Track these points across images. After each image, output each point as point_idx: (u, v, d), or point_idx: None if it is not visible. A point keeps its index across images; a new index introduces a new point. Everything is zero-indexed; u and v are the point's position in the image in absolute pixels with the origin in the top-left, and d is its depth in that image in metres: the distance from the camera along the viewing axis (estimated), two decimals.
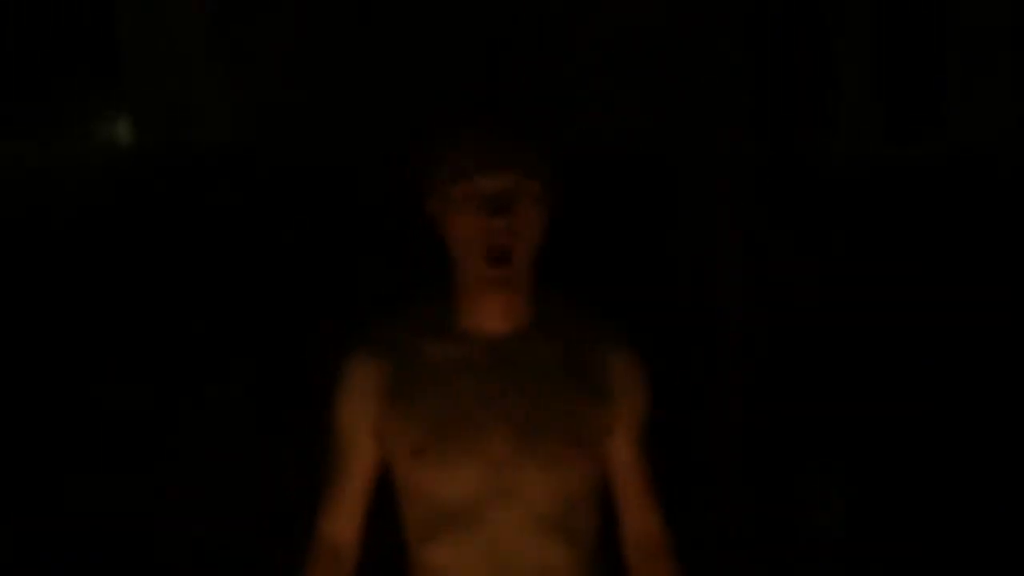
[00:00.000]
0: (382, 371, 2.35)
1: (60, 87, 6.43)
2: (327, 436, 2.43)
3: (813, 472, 5.43)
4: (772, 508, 5.26)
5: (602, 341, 2.39)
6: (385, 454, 2.37)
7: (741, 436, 5.23)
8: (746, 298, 5.26)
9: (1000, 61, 6.58)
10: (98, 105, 6.46)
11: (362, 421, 2.37)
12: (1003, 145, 6.39)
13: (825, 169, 6.50)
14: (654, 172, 6.04)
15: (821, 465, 5.45)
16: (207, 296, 5.68)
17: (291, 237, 5.76)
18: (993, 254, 5.93)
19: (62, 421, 5.50)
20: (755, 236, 5.36)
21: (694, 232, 5.71)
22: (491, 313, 2.33)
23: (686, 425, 5.01)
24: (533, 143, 2.31)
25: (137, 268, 5.75)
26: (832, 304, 5.64)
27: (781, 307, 5.46)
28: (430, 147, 2.35)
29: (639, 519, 2.44)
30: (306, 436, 3.53)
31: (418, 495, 2.32)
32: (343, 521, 2.42)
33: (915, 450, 5.53)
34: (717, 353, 5.27)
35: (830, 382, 5.58)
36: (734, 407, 5.23)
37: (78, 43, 6.47)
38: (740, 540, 5.21)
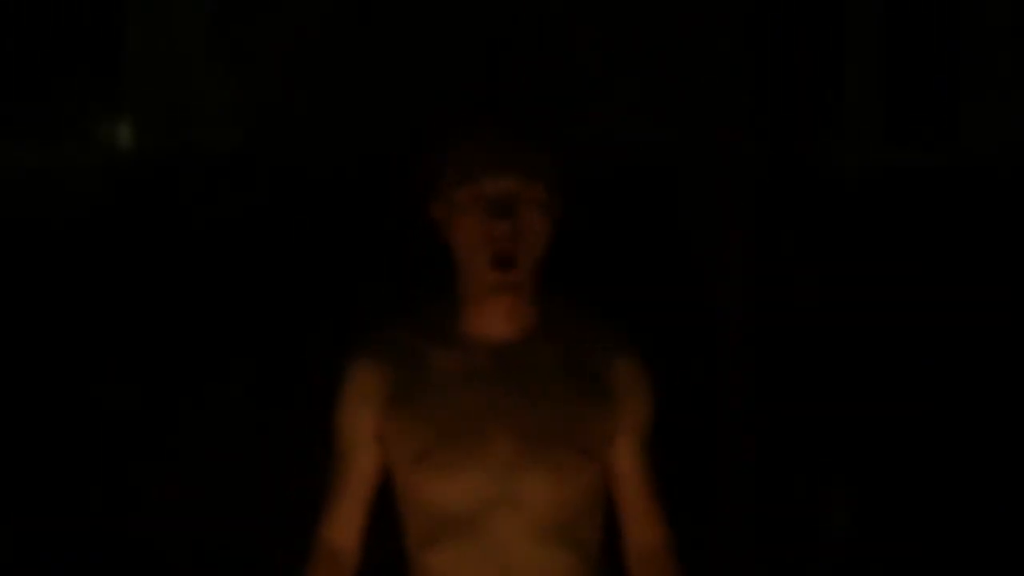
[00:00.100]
0: (384, 376, 2.34)
1: (60, 87, 6.43)
2: (328, 438, 2.42)
3: (814, 472, 5.43)
4: (773, 508, 5.26)
5: (606, 348, 2.37)
6: (386, 460, 2.36)
7: (741, 436, 5.23)
8: (746, 298, 5.26)
9: (1012, 66, 6.58)
10: (98, 105, 6.46)
11: (363, 426, 2.36)
12: (1011, 152, 6.39)
13: (826, 169, 6.49)
14: (654, 172, 6.03)
15: (822, 465, 5.45)
16: (207, 296, 5.67)
17: (291, 238, 5.76)
18: (993, 254, 5.93)
19: (62, 421, 5.50)
20: (756, 236, 5.36)
21: (694, 232, 5.71)
22: (495, 318, 2.31)
23: (686, 425, 5.00)
24: (538, 146, 2.30)
25: (137, 269, 5.75)
26: (832, 304, 5.63)
27: (781, 307, 5.46)
28: (433, 150, 2.34)
29: (642, 527, 2.43)
30: (306, 436, 3.53)
31: (419, 501, 2.31)
32: (344, 526, 2.41)
33: (916, 450, 5.53)
34: (717, 353, 5.26)
35: (831, 382, 5.57)
36: (734, 407, 5.23)
37: (78, 43, 6.47)
38: (741, 540, 5.21)
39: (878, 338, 5.68)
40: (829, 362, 5.62)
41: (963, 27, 6.69)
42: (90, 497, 5.35)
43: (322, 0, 6.26)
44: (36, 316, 5.67)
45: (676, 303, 5.41)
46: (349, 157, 5.96)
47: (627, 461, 2.38)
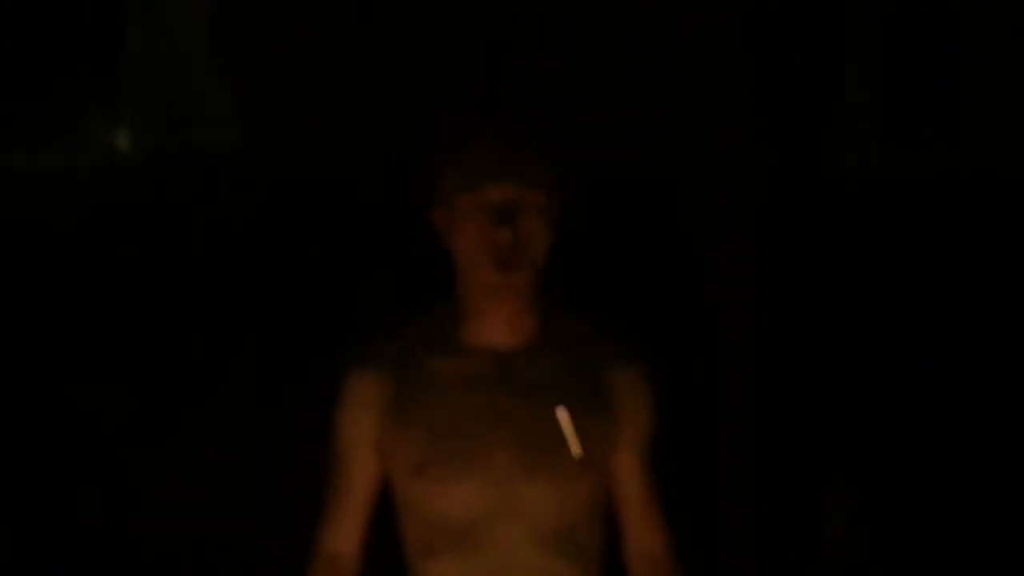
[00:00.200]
0: (383, 385, 2.33)
1: (60, 87, 6.43)
2: (327, 439, 2.42)
3: (814, 472, 5.43)
4: (773, 508, 5.26)
5: (609, 357, 2.37)
6: (386, 468, 2.36)
7: (741, 436, 5.23)
8: (746, 298, 5.26)
9: (1012, 67, 6.58)
10: (97, 106, 6.46)
11: (363, 435, 2.35)
12: (1011, 153, 6.40)
13: (826, 169, 6.50)
14: (655, 172, 6.04)
15: (822, 465, 5.45)
16: (207, 296, 5.68)
17: (291, 237, 5.76)
18: (992, 254, 5.93)
19: (63, 422, 5.50)
20: (756, 237, 5.36)
21: (694, 232, 5.71)
22: (496, 325, 2.30)
23: (686, 425, 5.00)
24: (539, 151, 2.29)
25: (137, 268, 5.75)
26: (832, 304, 5.64)
27: (781, 307, 5.46)
28: (434, 157, 2.33)
29: (643, 533, 2.43)
30: (306, 437, 3.53)
31: (419, 511, 2.30)
32: (344, 533, 2.41)
33: (915, 450, 5.53)
34: (717, 353, 5.26)
35: (831, 382, 5.58)
36: (734, 407, 5.23)
37: (78, 43, 6.47)
38: (741, 540, 5.21)
39: (878, 338, 5.68)
40: (829, 362, 5.62)
41: (963, 28, 6.69)
42: (90, 497, 5.35)
43: (322, 0, 6.26)
44: (36, 316, 5.67)
45: (676, 303, 5.42)
46: (349, 157, 5.97)
47: (628, 468, 2.38)
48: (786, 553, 5.27)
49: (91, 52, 6.45)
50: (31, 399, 5.53)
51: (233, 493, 5.20)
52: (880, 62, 6.65)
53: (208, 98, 6.32)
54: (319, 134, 6.13)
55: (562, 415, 2.26)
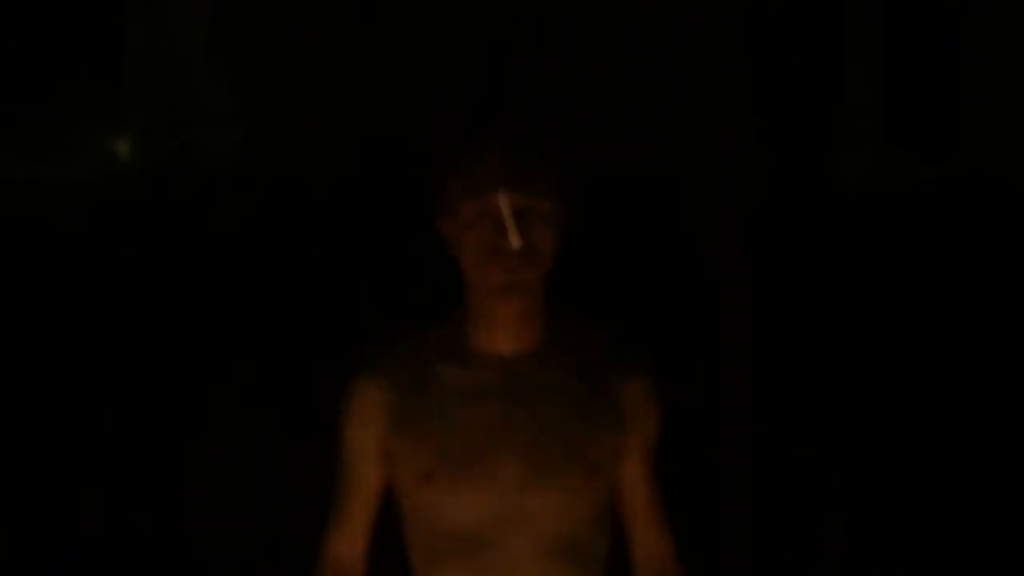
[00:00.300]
0: (391, 393, 2.33)
1: (59, 88, 6.43)
2: (327, 441, 2.42)
3: (814, 472, 5.43)
4: (773, 508, 5.26)
5: (614, 364, 2.37)
6: (392, 476, 2.36)
7: (741, 436, 5.23)
8: (746, 298, 5.26)
9: (1012, 68, 6.58)
10: (97, 108, 6.46)
11: (369, 443, 2.35)
12: (1011, 157, 6.40)
13: (826, 171, 6.50)
14: (655, 173, 6.04)
15: (822, 465, 5.45)
16: (207, 298, 5.68)
17: (291, 239, 5.76)
18: (992, 256, 5.93)
19: (63, 423, 5.50)
20: (756, 237, 5.36)
21: (694, 233, 5.71)
22: (503, 333, 2.30)
23: (686, 425, 5.00)
24: (544, 160, 2.29)
25: (137, 271, 5.75)
26: (832, 304, 5.63)
27: (781, 307, 5.46)
28: (442, 165, 2.33)
29: (649, 539, 2.43)
30: (306, 438, 3.53)
31: (426, 519, 2.30)
32: (350, 540, 2.41)
33: (915, 450, 5.53)
34: (717, 353, 5.27)
35: (831, 382, 5.58)
36: (734, 407, 5.23)
37: (78, 44, 6.47)
38: (741, 540, 5.21)
39: (878, 338, 5.68)
40: (829, 362, 5.62)
41: (963, 28, 6.69)
42: (90, 497, 5.35)
43: (322, 1, 6.26)
44: (37, 319, 5.67)
45: (676, 303, 5.42)
46: (349, 158, 5.97)
47: (634, 476, 2.38)
48: (786, 553, 5.27)
49: (90, 52, 6.45)
50: (29, 399, 5.53)
51: (233, 493, 5.20)
52: (880, 63, 6.65)
53: (208, 99, 6.32)
54: (319, 134, 6.13)
55: (503, 202, 2.24)
